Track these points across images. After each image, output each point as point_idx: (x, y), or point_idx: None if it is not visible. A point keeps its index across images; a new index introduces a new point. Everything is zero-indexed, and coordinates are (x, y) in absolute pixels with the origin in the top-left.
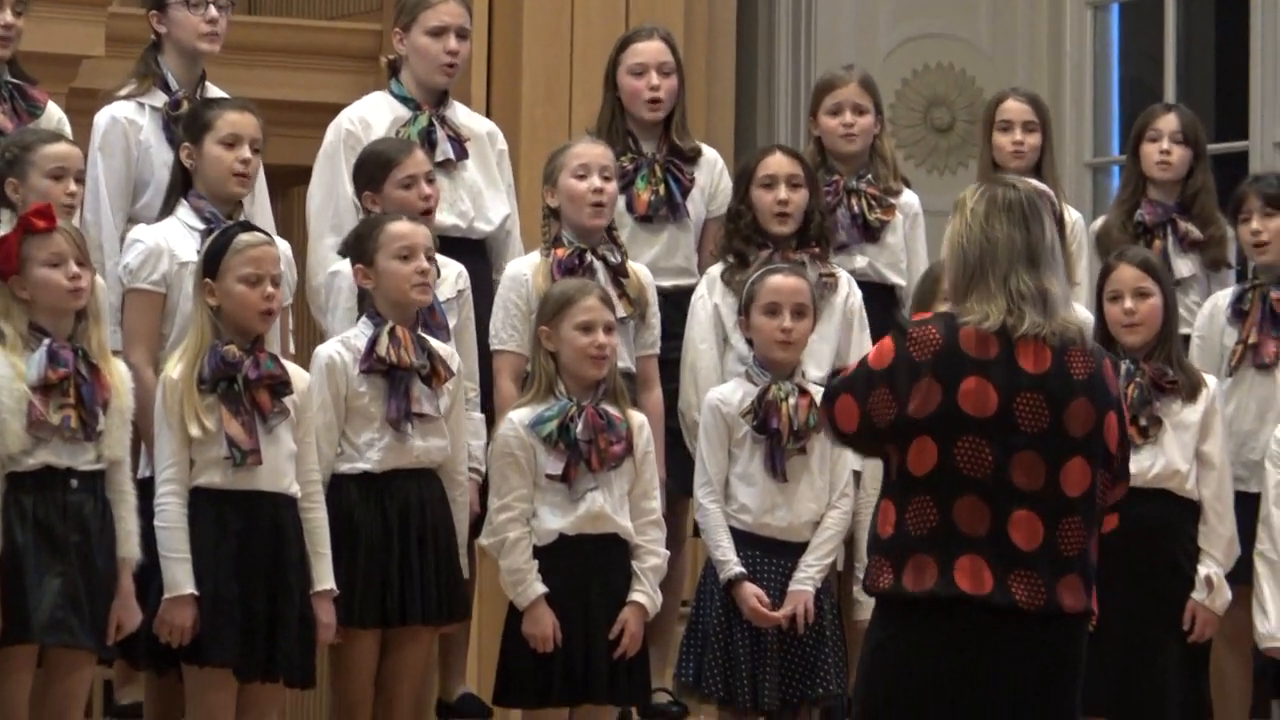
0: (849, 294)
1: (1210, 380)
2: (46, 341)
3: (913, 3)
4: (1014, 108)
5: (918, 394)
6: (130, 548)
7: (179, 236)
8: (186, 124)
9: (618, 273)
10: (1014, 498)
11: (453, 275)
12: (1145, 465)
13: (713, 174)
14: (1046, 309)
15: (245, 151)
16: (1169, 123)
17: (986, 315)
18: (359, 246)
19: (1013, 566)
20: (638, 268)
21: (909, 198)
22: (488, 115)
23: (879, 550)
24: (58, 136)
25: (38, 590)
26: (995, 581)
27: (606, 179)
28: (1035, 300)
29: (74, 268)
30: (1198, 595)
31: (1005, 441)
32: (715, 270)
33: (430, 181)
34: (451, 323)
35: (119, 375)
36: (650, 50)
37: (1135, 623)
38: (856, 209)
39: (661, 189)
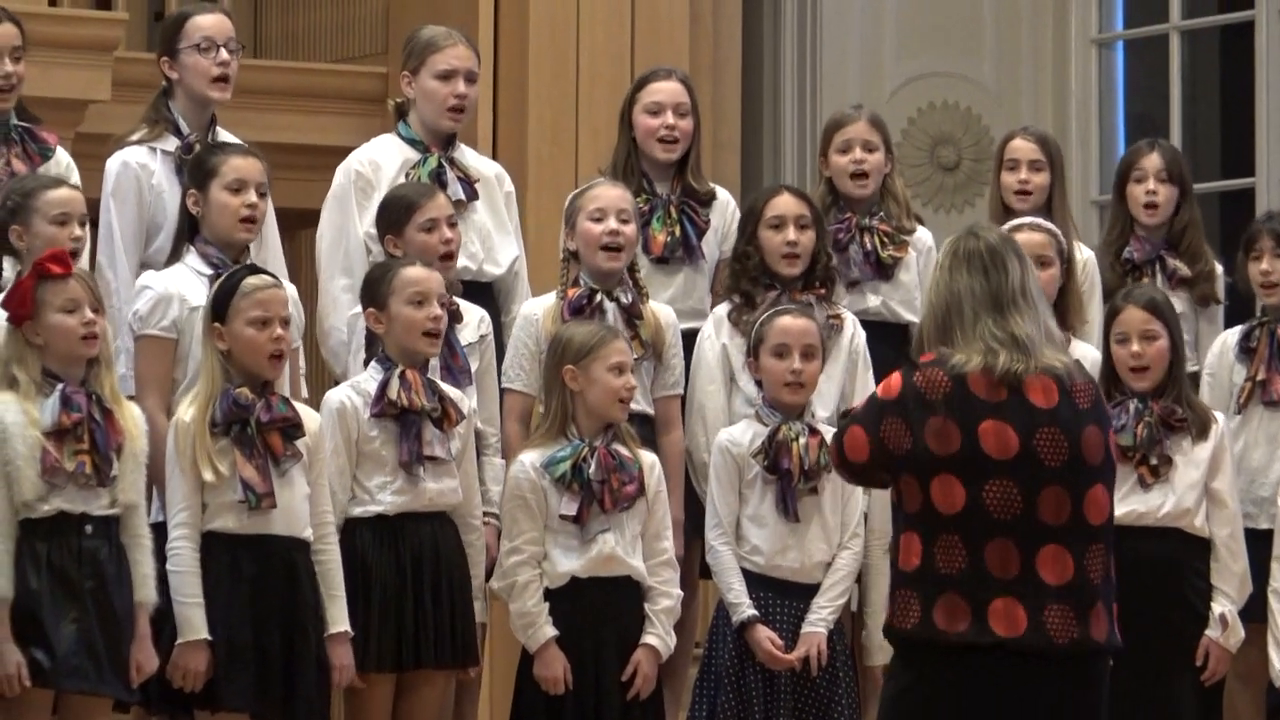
0: (854, 334)
1: (1219, 417)
2: (60, 387)
3: (918, 41)
4: (1020, 146)
5: (932, 430)
6: (147, 591)
7: (188, 282)
8: (191, 171)
9: (631, 313)
10: (1042, 534)
11: (475, 320)
12: (1155, 504)
13: (725, 216)
14: (1020, 350)
15: (251, 196)
16: (1153, 161)
17: (969, 358)
18: (371, 290)
19: (1045, 603)
20: (658, 308)
21: (922, 234)
22: (494, 157)
23: (905, 583)
24: (60, 181)
25: (54, 637)
26: (1029, 621)
27: (624, 221)
28: (1007, 344)
29: (88, 314)
30: (1211, 633)
31: (1031, 479)
32: (721, 310)
33: (452, 225)
34: (474, 366)
35: (133, 419)
36: (667, 90)
37: (1148, 661)
38: (870, 246)
39: (677, 230)
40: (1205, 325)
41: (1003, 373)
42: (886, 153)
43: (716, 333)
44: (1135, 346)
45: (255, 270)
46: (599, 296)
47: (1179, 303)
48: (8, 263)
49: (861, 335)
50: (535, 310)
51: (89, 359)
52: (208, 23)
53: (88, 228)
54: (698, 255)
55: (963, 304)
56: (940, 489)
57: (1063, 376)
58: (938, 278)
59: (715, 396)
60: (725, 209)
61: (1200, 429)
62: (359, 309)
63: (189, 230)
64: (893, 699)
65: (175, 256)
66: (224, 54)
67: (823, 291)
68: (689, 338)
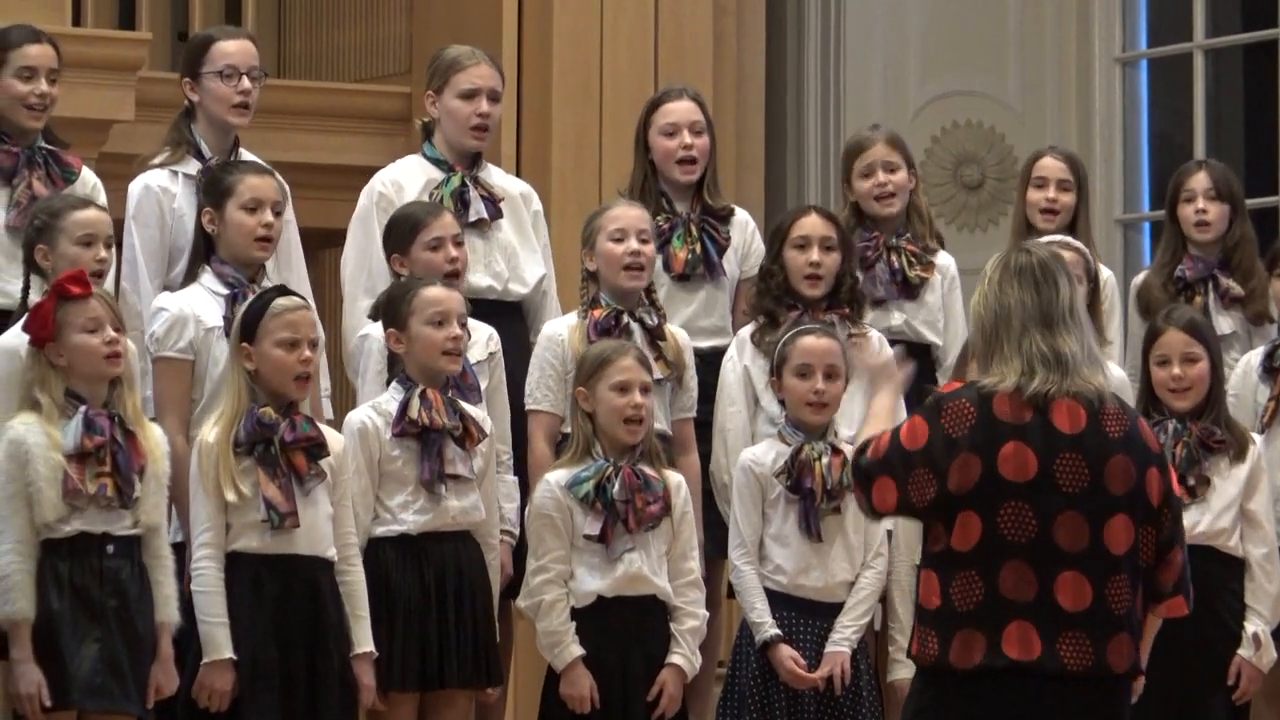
0: (880, 351)
1: (1257, 439)
2: (82, 409)
3: (941, 60)
4: (1050, 165)
5: (955, 469)
6: (169, 611)
7: (203, 302)
8: (207, 189)
9: (654, 334)
10: (1059, 560)
11: (484, 338)
12: (1191, 523)
13: (745, 234)
14: (1062, 368)
15: (267, 215)
16: (1201, 180)
17: (1003, 377)
18: (391, 310)
19: (1060, 629)
20: (676, 330)
21: (945, 259)
22: (517, 176)
23: (924, 621)
24: (86, 202)
25: (76, 656)
26: (1043, 646)
27: (644, 241)
28: (1049, 361)
29: (110, 333)
30: (1244, 652)
31: (1046, 504)
32: (745, 332)
33: (458, 245)
34: (483, 384)
35: (155, 440)
36: (681, 110)
37: (1181, 679)
38: (896, 265)
39: (698, 248)
40: (1260, 343)
41: (1032, 394)
42: (909, 169)
43: (739, 355)
44: (1176, 369)
45: (284, 291)
46: (625, 318)
47: (1232, 323)
48: (35, 282)
49: (888, 351)
50: (559, 330)
51: (112, 379)
52: (232, 48)
53: (114, 249)
54: (719, 272)
55: (1011, 318)
56: (960, 527)
57: (1093, 401)
58: (985, 291)
59: (736, 418)
60: (745, 227)
61: (1238, 451)
62: (364, 330)
63: (205, 250)
64: (914, 716)
65: (191, 277)
66: (245, 82)
67: (846, 311)
68: (711, 355)
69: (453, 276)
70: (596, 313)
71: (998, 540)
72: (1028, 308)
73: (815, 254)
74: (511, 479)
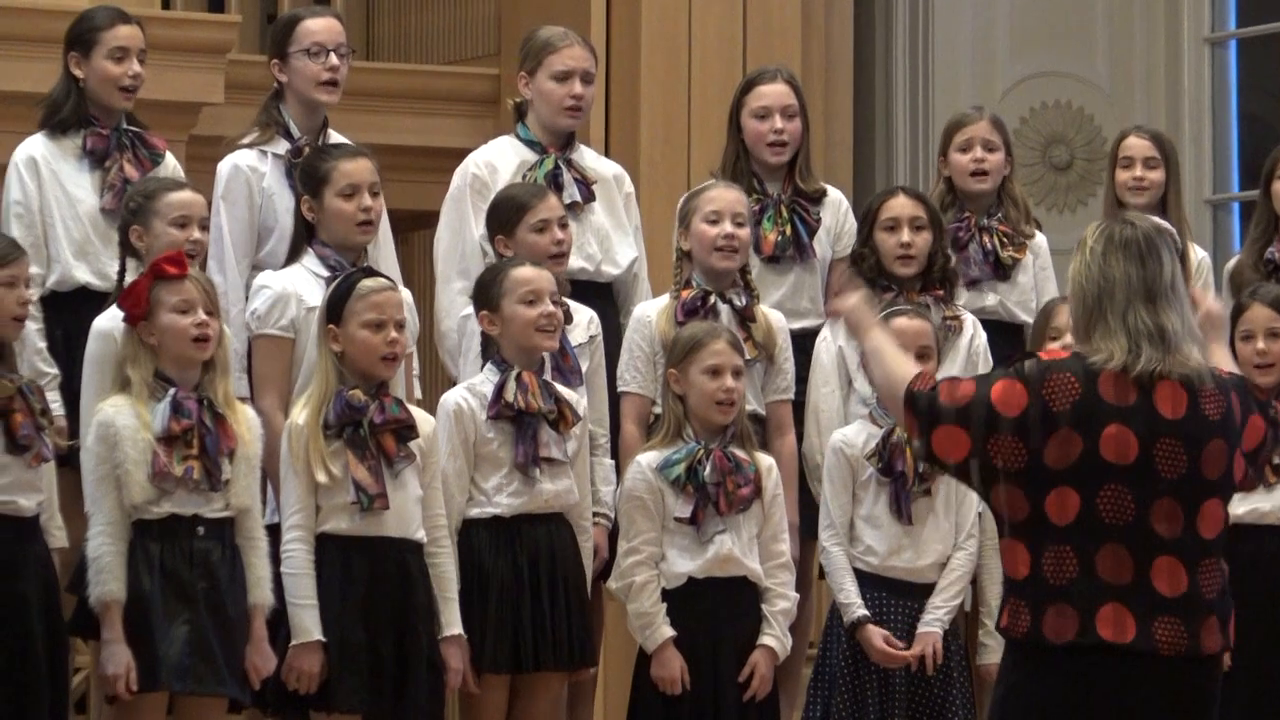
0: (974, 335)
1: None
2: (172, 391)
3: (1031, 40)
4: (1135, 144)
5: (1055, 444)
6: (262, 593)
7: (305, 283)
8: (303, 178)
9: (744, 315)
10: (1156, 545)
11: (585, 320)
12: (1278, 503)
13: (838, 214)
14: (1165, 345)
15: (365, 199)
16: None
17: (1111, 355)
18: (484, 292)
19: (1155, 613)
20: (769, 312)
21: (1040, 239)
22: (606, 158)
23: (1015, 592)
24: (181, 184)
25: (165, 638)
26: (1138, 629)
27: (739, 224)
28: (1153, 337)
29: (201, 315)
30: None
31: (1145, 488)
32: None
33: (563, 226)
34: (584, 366)
35: (246, 423)
36: (774, 93)
37: (1266, 658)
38: (989, 246)
39: (788, 230)
40: None
41: (1139, 373)
42: (1006, 155)
43: (833, 335)
44: (1260, 344)
45: (371, 273)
46: (713, 298)
47: None
48: (130, 264)
49: (982, 336)
50: (649, 312)
51: (204, 363)
52: (318, 26)
53: (207, 232)
54: (809, 254)
55: (1116, 290)
56: (1056, 501)
57: (1194, 381)
58: (1088, 262)
59: (830, 399)
60: (838, 207)
61: None
62: (467, 311)
63: (306, 232)
64: (1002, 699)
65: (294, 257)
66: (334, 59)
67: (940, 292)
68: (801, 337)
69: (559, 258)
70: (685, 293)
71: (1096, 521)
72: (1133, 282)
73: (906, 234)
74: (609, 462)
